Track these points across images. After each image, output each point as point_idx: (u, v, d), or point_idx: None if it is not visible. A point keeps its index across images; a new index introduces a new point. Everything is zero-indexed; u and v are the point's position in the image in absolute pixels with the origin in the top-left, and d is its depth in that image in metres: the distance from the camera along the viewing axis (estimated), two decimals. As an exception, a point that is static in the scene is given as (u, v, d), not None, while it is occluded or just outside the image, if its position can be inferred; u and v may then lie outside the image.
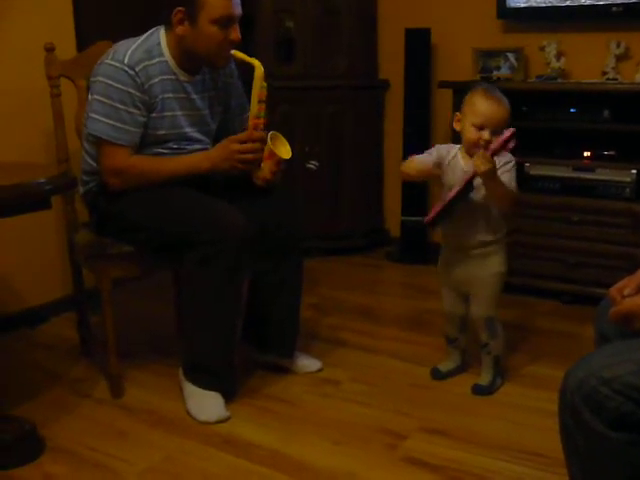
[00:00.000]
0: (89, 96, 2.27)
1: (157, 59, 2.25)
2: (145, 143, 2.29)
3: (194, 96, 2.34)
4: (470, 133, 2.18)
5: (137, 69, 2.19)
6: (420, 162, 2.25)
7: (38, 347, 2.79)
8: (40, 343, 2.82)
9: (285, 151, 2.30)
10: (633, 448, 1.23)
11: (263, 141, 2.25)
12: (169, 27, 2.25)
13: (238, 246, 2.12)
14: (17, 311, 2.94)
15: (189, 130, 2.35)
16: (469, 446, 2.04)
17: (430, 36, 3.64)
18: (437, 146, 2.32)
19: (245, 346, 2.50)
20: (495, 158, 2.11)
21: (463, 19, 3.66)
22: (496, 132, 2.14)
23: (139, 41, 2.25)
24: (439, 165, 2.26)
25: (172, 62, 2.27)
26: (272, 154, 2.26)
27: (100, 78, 2.20)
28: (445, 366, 2.46)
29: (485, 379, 2.35)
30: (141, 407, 2.29)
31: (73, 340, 2.74)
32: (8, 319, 2.89)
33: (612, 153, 3.04)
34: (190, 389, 2.25)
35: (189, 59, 2.29)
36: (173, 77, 2.28)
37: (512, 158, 2.22)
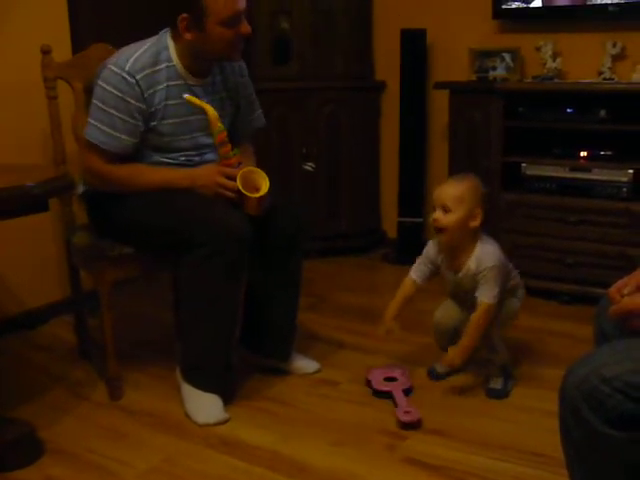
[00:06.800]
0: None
1: (165, 64, 2.22)
2: (149, 148, 2.28)
3: (204, 99, 2.27)
4: None
5: (138, 77, 2.16)
6: (411, 285, 2.39)
7: (36, 349, 2.78)
8: (38, 345, 2.82)
9: (264, 183, 2.22)
10: (633, 446, 1.23)
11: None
12: (176, 33, 2.21)
13: (236, 247, 2.12)
14: (15, 313, 2.93)
15: (198, 134, 2.32)
16: (468, 446, 2.04)
17: (426, 37, 3.64)
18: (427, 246, 2.38)
19: (242, 348, 2.50)
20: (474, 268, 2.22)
21: (459, 19, 3.66)
22: (447, 210, 2.19)
23: (145, 46, 2.22)
24: (437, 267, 2.36)
25: (180, 67, 2.24)
26: (246, 197, 2.20)
27: (99, 82, 2.19)
28: (442, 367, 2.46)
29: (497, 382, 2.34)
30: (140, 409, 2.28)
31: (71, 342, 2.74)
32: (6, 321, 2.88)
33: (609, 153, 3.04)
34: (188, 391, 2.24)
35: (200, 62, 2.26)
36: (181, 82, 2.25)
37: (494, 260, 2.20)
